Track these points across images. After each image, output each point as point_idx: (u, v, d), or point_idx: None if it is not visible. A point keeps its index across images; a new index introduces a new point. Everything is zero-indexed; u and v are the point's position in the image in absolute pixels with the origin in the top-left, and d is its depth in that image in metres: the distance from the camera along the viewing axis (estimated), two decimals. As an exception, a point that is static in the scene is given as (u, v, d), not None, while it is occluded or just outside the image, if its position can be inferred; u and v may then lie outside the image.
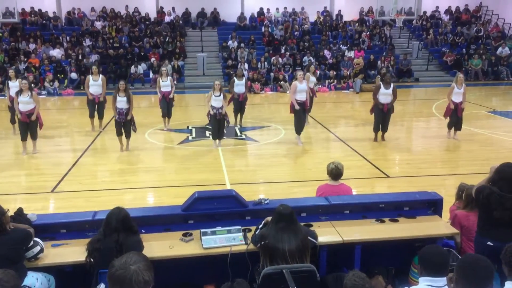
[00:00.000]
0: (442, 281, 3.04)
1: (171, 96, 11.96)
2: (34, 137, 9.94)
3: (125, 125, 9.87)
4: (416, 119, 14.06)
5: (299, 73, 10.45)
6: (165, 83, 11.92)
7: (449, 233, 4.59)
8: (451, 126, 10.88)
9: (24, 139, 9.86)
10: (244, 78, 12.49)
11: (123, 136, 10.01)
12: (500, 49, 22.82)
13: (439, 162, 9.43)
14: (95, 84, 11.78)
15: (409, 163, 9.40)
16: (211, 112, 10.00)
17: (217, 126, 10.19)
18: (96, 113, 11.93)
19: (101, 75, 12.02)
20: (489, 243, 3.98)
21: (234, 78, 12.36)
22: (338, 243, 4.34)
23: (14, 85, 10.83)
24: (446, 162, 9.49)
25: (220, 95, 9.98)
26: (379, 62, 21.23)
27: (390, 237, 4.47)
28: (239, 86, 12.12)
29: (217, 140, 10.41)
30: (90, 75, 11.91)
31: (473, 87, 17.97)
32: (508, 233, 3.88)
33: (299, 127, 10.50)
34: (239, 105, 12.27)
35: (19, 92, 9.67)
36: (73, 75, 19.55)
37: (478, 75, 21.40)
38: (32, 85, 18.21)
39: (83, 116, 12.27)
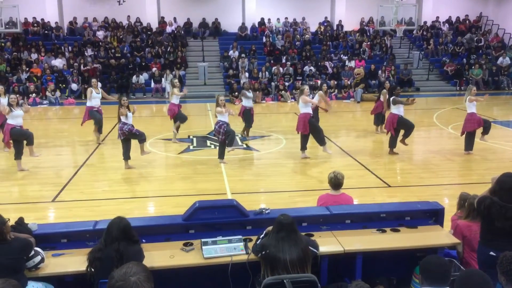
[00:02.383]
0: (443, 291, 3.03)
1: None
2: (30, 143, 9.56)
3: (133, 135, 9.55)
4: (417, 128, 13.94)
5: (306, 88, 10.21)
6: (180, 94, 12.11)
7: (450, 243, 4.58)
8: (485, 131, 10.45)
9: (18, 157, 9.40)
10: (251, 90, 12.67)
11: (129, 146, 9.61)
12: (500, 59, 22.91)
13: (440, 171, 9.41)
14: (97, 97, 11.83)
15: (410, 172, 9.39)
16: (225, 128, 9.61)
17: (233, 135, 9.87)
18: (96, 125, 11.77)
19: (99, 88, 12.13)
20: (491, 253, 3.97)
21: (245, 91, 12.27)
22: (339, 253, 4.33)
23: (4, 101, 10.69)
24: (447, 171, 9.48)
25: (227, 113, 9.75)
26: (379, 71, 21.30)
27: (391, 247, 4.46)
28: (249, 98, 12.26)
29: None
30: (92, 88, 11.86)
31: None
32: (510, 243, 3.87)
33: (304, 144, 10.31)
34: (249, 117, 12.21)
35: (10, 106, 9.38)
36: (74, 86, 19.65)
37: (478, 85, 21.40)
38: (34, 94, 18.65)
39: (85, 126, 12.25)
